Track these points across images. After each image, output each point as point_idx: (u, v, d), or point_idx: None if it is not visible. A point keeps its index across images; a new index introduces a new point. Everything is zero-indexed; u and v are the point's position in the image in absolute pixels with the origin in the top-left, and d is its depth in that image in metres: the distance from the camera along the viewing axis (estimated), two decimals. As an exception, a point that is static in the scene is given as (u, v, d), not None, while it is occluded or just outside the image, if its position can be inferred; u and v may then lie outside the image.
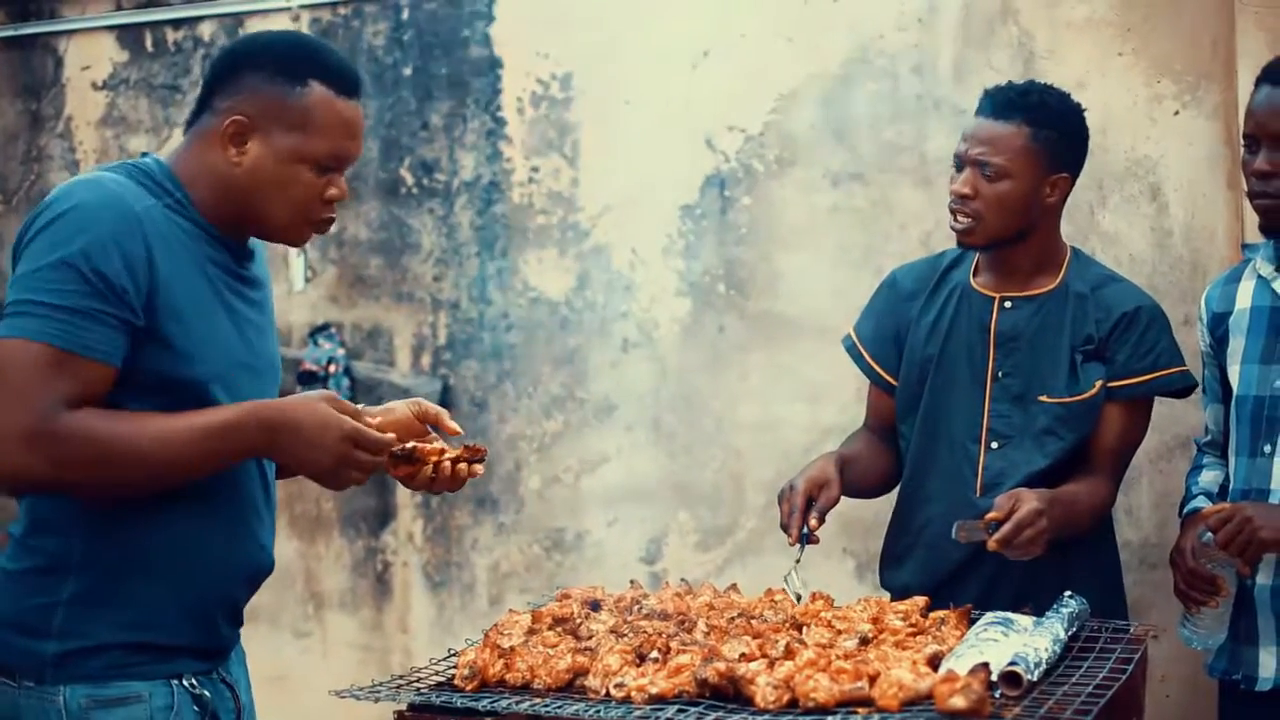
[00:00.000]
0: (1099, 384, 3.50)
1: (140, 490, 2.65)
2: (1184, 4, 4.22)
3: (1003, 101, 3.49)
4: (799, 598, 3.23)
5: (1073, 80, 4.23)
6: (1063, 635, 2.83)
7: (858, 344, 3.81)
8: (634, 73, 4.85)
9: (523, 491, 5.01)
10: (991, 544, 3.17)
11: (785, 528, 3.39)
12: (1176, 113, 4.26)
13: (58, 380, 2.53)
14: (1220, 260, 4.18)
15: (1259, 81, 3.35)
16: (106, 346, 2.57)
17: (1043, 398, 3.51)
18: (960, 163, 3.51)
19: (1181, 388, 3.59)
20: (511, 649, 2.87)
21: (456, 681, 2.83)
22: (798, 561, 3.36)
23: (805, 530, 3.35)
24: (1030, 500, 3.19)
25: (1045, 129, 3.49)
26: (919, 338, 3.67)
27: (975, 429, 3.56)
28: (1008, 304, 3.59)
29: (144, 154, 2.82)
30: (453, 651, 3.04)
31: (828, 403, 4.59)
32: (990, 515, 3.20)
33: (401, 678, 2.94)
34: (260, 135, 2.71)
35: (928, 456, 3.65)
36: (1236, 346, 3.47)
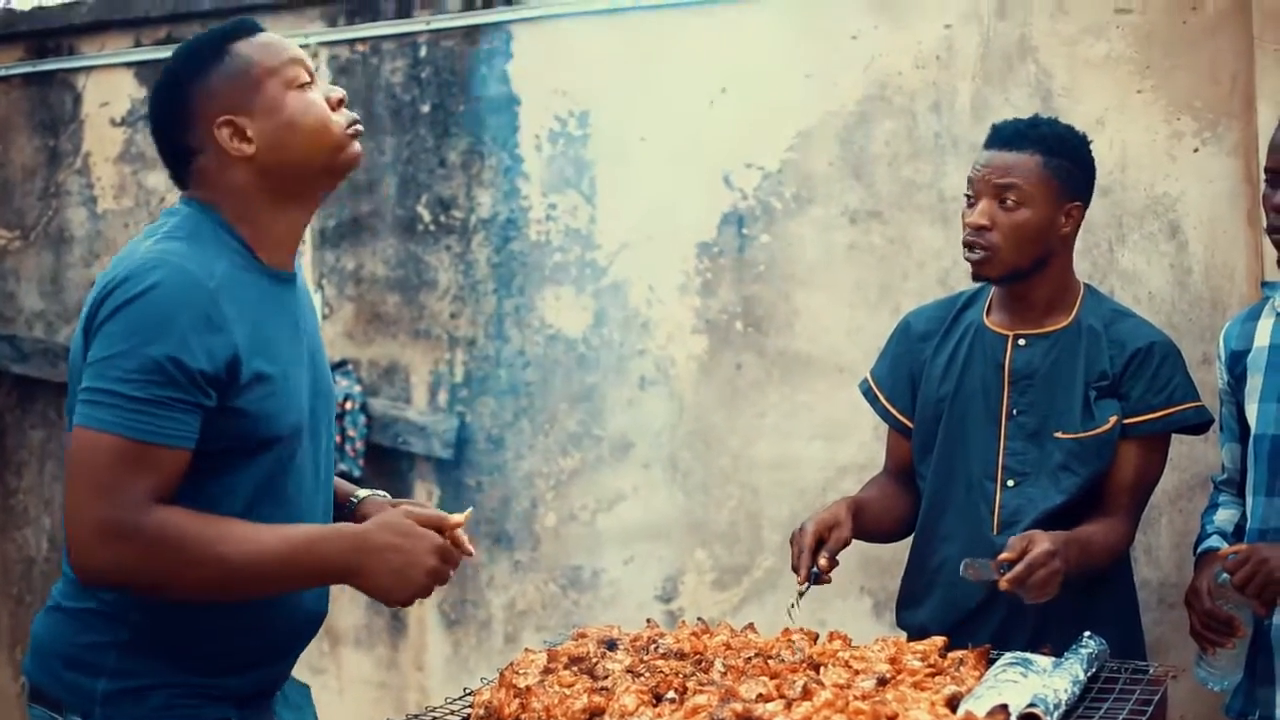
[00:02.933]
0: (1114, 419, 3.47)
1: (212, 597, 2.65)
2: (1203, 41, 4.20)
3: (1012, 133, 3.49)
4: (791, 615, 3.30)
5: (1091, 118, 4.27)
6: (1082, 676, 2.80)
7: (874, 388, 3.80)
8: (651, 110, 4.84)
9: (539, 529, 4.99)
10: (1003, 584, 3.14)
11: (795, 568, 3.39)
12: (1196, 150, 4.23)
13: (139, 473, 2.53)
14: (1240, 298, 4.15)
15: None
16: (183, 430, 2.57)
17: (1058, 434, 3.49)
18: (974, 193, 3.49)
19: (1197, 424, 3.56)
20: (527, 688, 2.85)
21: None
22: (800, 595, 3.36)
23: (815, 570, 3.33)
24: (1043, 541, 3.16)
25: (1057, 157, 3.48)
26: (933, 378, 3.66)
27: (991, 467, 3.54)
28: (1021, 341, 3.57)
29: (185, 200, 2.81)
30: (468, 690, 3.02)
31: (845, 441, 4.56)
32: (1003, 556, 3.17)
33: (417, 716, 2.94)
34: (245, 115, 2.73)
35: (944, 495, 3.63)
36: (1254, 384, 3.45)
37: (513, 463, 5.02)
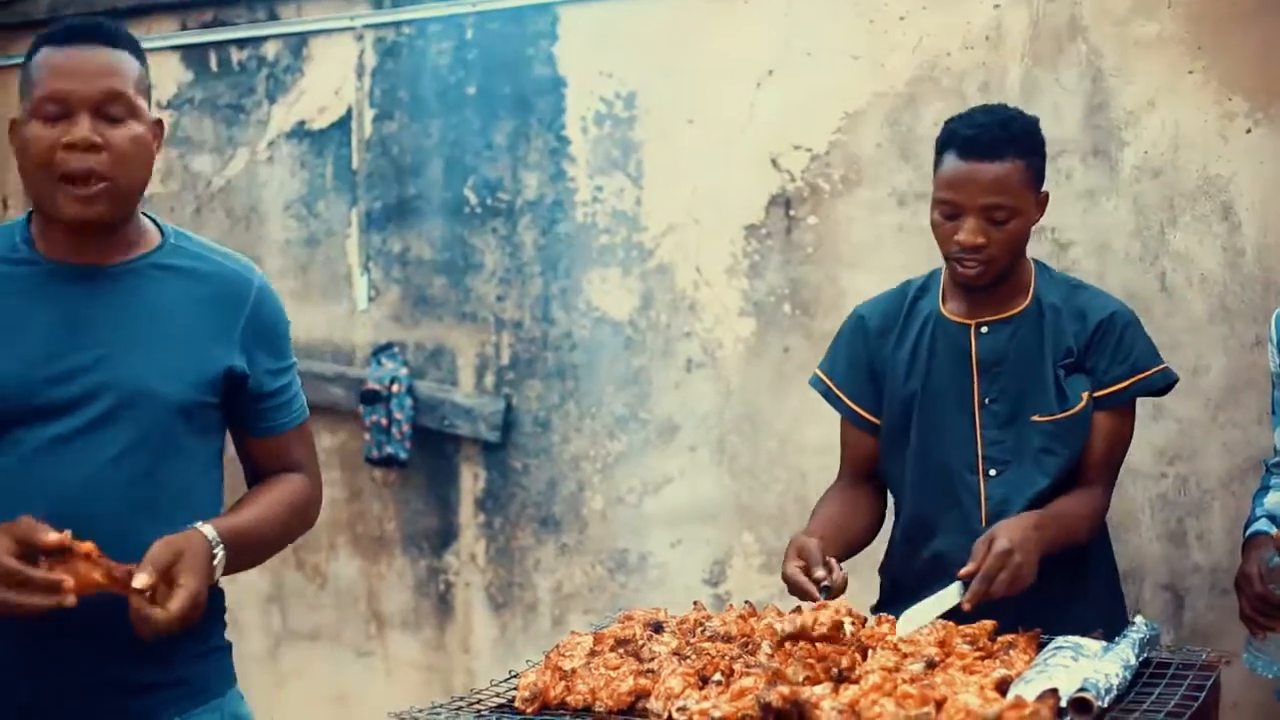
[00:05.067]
0: (1086, 395, 3.46)
1: None
2: (1255, 21, 4.17)
3: (991, 141, 3.37)
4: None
5: (1143, 99, 4.27)
6: (1133, 660, 2.77)
7: (831, 385, 3.73)
8: (698, 91, 4.83)
9: (585, 512, 5.00)
10: (966, 606, 3.09)
11: (802, 596, 3.22)
12: (1249, 130, 4.20)
13: None
14: None
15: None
16: None
17: (1034, 417, 3.46)
18: (957, 209, 3.39)
19: (1163, 386, 3.54)
20: (573, 671, 2.83)
21: (517, 704, 2.79)
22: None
23: (825, 587, 3.19)
24: (1000, 540, 3.13)
25: (1032, 155, 3.42)
26: (898, 374, 3.61)
27: (971, 458, 3.51)
28: (984, 329, 3.52)
29: None
30: (514, 673, 3.00)
31: None
32: (963, 571, 3.13)
33: (462, 699, 2.90)
34: (19, 120, 2.75)
35: (927, 492, 3.58)
36: None
37: (559, 446, 5.02)
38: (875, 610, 3.51)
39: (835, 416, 4.38)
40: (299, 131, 5.45)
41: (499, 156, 5.11)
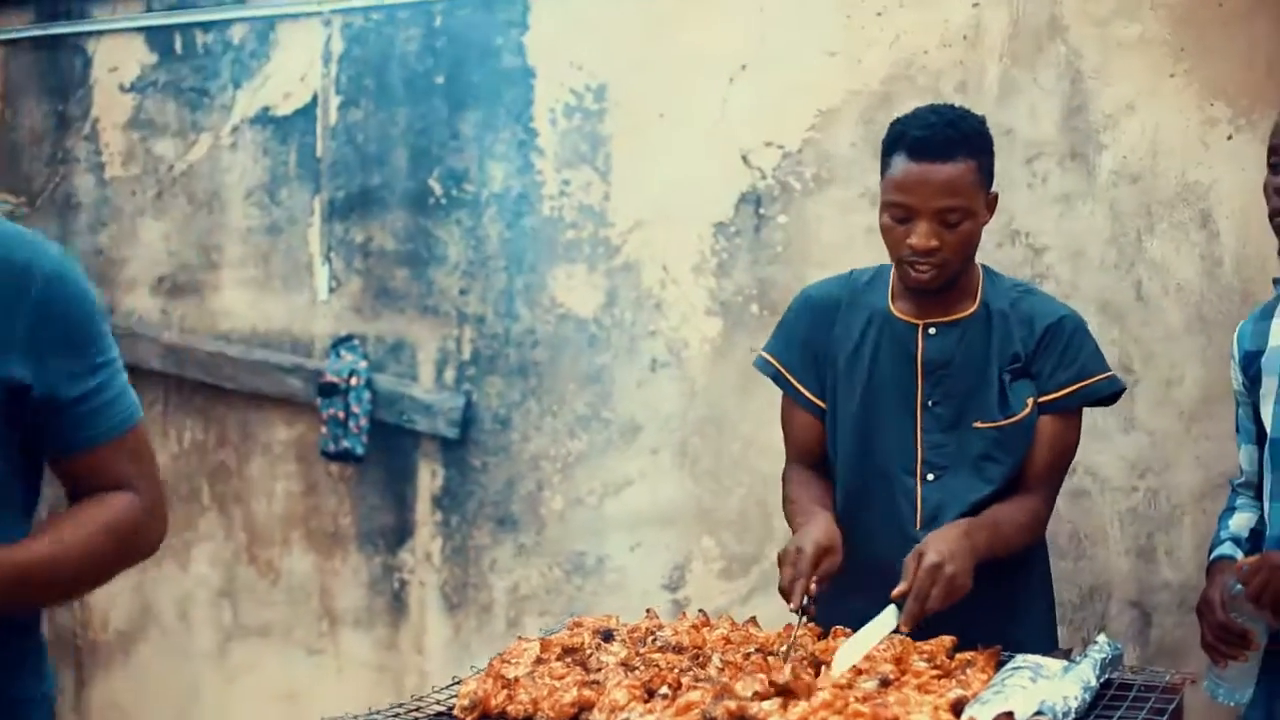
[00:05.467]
0: (1030, 402, 3.38)
1: None
2: (1239, 25, 4.09)
3: (942, 141, 3.27)
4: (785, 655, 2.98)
5: (1122, 102, 4.20)
6: (1094, 682, 2.69)
7: (779, 367, 3.61)
8: (669, 85, 4.74)
9: (544, 513, 4.90)
10: (902, 629, 2.97)
11: (785, 593, 3.11)
12: (1230, 137, 4.13)
13: None
14: (1271, 292, 3.93)
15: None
16: None
17: (977, 424, 3.39)
18: (909, 212, 3.29)
19: (1109, 394, 3.47)
20: (516, 679, 2.75)
21: (456, 712, 2.71)
22: (797, 630, 3.04)
23: (806, 600, 3.06)
24: (930, 554, 3.03)
25: (982, 155, 3.34)
26: (841, 363, 3.52)
27: (909, 461, 3.43)
28: (932, 330, 3.44)
29: None
30: (457, 679, 2.92)
31: None
32: (896, 592, 3.01)
33: (401, 705, 2.82)
34: None
35: (862, 491, 3.49)
36: (1270, 386, 3.31)
37: (519, 444, 4.93)
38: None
39: None
40: (263, 117, 5.34)
41: (465, 147, 5.01)
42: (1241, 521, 3.48)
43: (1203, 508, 4.14)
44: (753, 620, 3.28)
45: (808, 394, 3.56)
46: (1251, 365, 3.38)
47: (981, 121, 3.38)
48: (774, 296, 4.62)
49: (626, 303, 4.80)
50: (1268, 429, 3.30)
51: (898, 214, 3.30)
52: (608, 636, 3.06)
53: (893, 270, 3.47)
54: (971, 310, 3.43)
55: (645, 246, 4.79)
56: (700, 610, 3.33)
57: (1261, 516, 3.38)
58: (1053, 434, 3.41)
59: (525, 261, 4.92)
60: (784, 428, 3.66)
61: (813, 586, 3.08)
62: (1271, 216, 3.20)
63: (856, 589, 3.30)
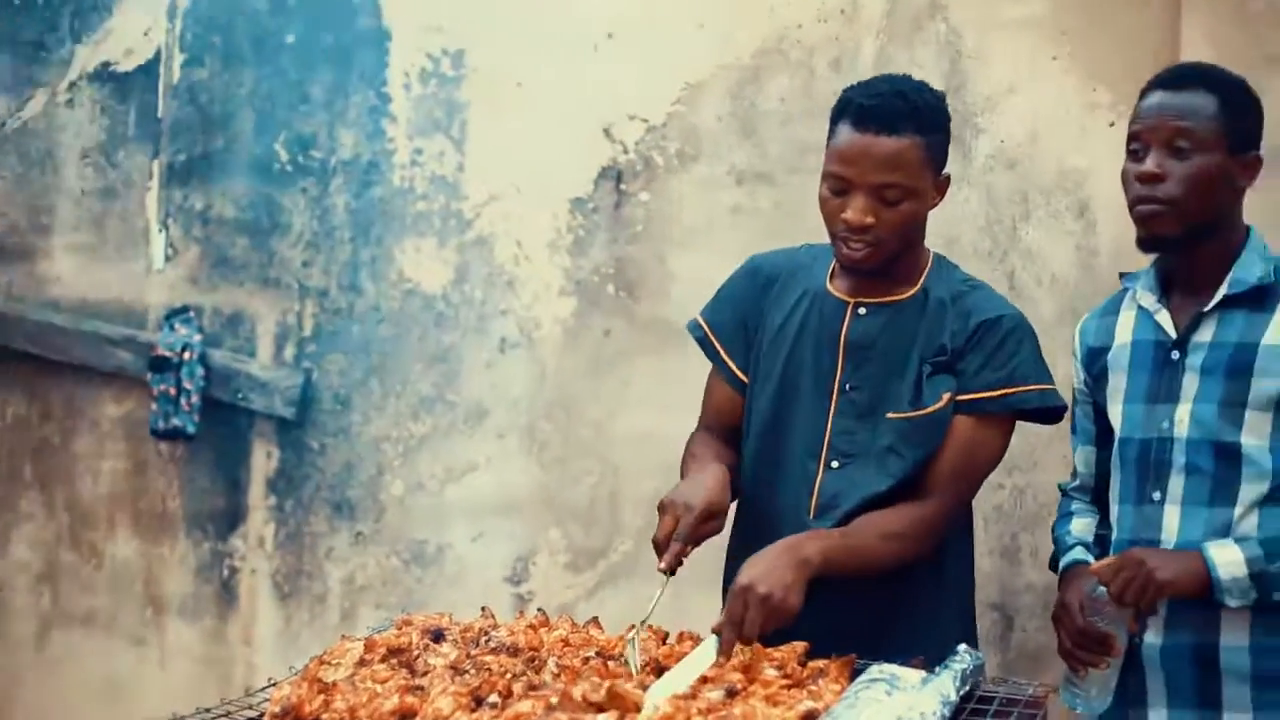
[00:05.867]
0: (946, 397, 3.18)
1: None
2: (1124, 8, 3.98)
3: (888, 113, 3.10)
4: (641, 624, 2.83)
5: (1002, 84, 4.09)
6: (953, 695, 2.49)
7: (708, 332, 3.45)
8: (530, 52, 4.55)
9: (384, 498, 4.68)
10: (720, 660, 2.74)
11: (658, 546, 2.95)
12: (1112, 124, 4.00)
13: None
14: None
15: (1152, 87, 3.19)
16: None
17: (889, 414, 3.20)
18: (846, 187, 3.13)
19: (1041, 408, 3.25)
20: (334, 684, 2.56)
21: (266, 719, 2.50)
22: (663, 588, 2.88)
23: (669, 571, 2.89)
24: (740, 578, 2.82)
25: (933, 133, 3.16)
26: (768, 336, 3.35)
27: (816, 445, 3.23)
28: (861, 310, 3.26)
29: None
30: (272, 681, 2.71)
31: None
32: (715, 625, 2.79)
33: (208, 710, 2.59)
34: None
35: (768, 473, 3.31)
36: (1117, 384, 3.27)
37: (359, 425, 4.70)
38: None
39: (654, 406, 4.34)
40: (103, 74, 5.06)
41: (314, 111, 4.77)
42: (1083, 526, 3.40)
43: None
44: (594, 621, 3.10)
45: (732, 365, 3.40)
46: (1095, 362, 3.32)
47: (939, 98, 3.21)
48: (631, 276, 4.46)
49: (477, 279, 4.60)
50: (1116, 428, 3.25)
51: (835, 185, 3.14)
52: (437, 637, 2.88)
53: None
54: (908, 294, 3.25)
55: (499, 221, 4.59)
56: (539, 609, 3.17)
57: (1104, 520, 3.33)
58: (967, 437, 3.21)
59: (372, 233, 4.70)
60: (704, 396, 3.49)
61: (689, 549, 2.92)
62: (1133, 205, 3.14)
63: None
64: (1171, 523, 3.12)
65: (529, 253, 4.56)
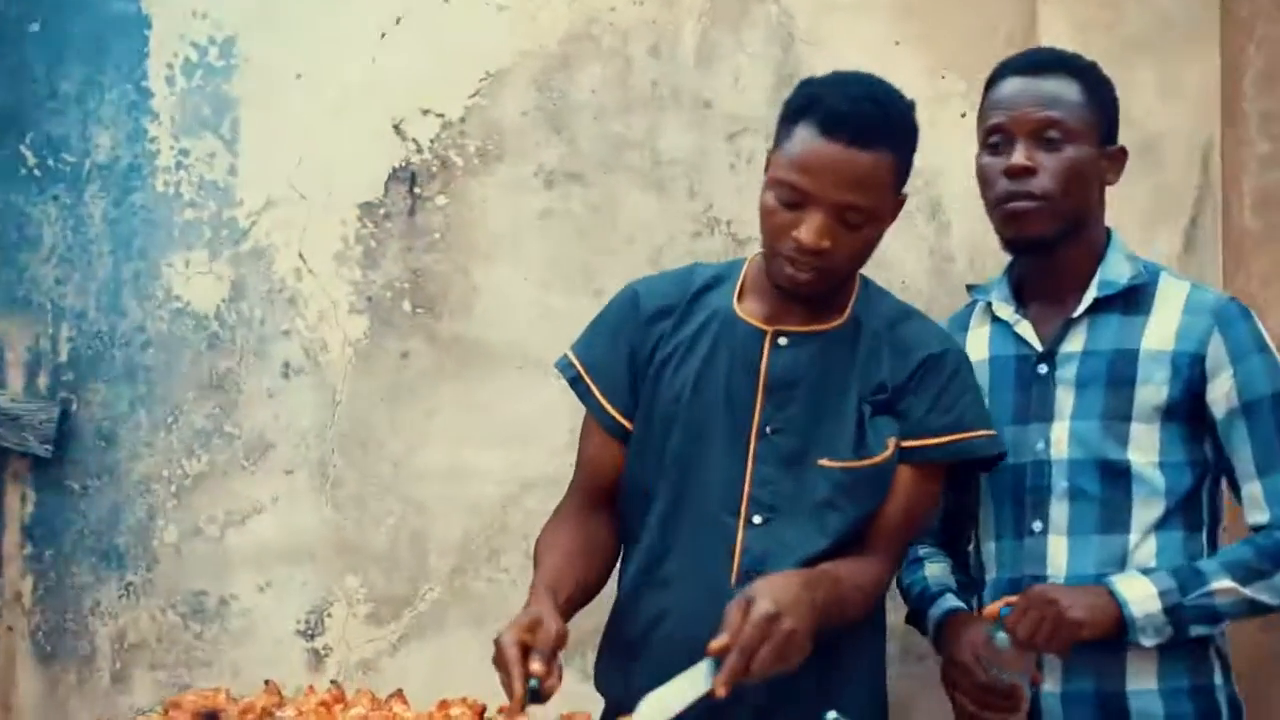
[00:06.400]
0: (892, 443, 2.88)
1: None
2: (977, -15, 3.78)
3: (867, 124, 2.78)
4: None
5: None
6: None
7: (583, 373, 3.06)
8: (310, 40, 4.20)
9: (156, 545, 4.24)
10: (720, 690, 2.50)
11: (507, 690, 2.61)
12: (963, 115, 3.82)
13: None
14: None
15: (1003, 73, 3.12)
16: None
17: (823, 461, 2.87)
18: (802, 200, 2.79)
19: (984, 457, 2.97)
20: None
21: None
22: None
23: (533, 683, 2.56)
24: (763, 602, 2.54)
25: (905, 150, 2.87)
26: (665, 375, 2.99)
27: (733, 499, 2.89)
28: (782, 341, 2.92)
29: None
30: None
31: (532, 449, 3.99)
32: (714, 646, 2.53)
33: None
34: None
35: (670, 529, 2.96)
36: None
37: (127, 463, 4.26)
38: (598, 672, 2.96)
39: (460, 438, 4.07)
40: None
41: (65, 109, 4.32)
42: (939, 571, 3.24)
43: None
44: (398, 695, 2.75)
45: (612, 410, 3.02)
46: None
47: (911, 107, 2.90)
48: (430, 291, 4.12)
49: (255, 297, 4.21)
50: None
51: (789, 197, 2.79)
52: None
53: (748, 264, 3.01)
54: (837, 323, 2.93)
55: (278, 230, 4.21)
56: (333, 681, 2.89)
57: (961, 565, 3.19)
58: (912, 488, 2.91)
59: (135, 246, 4.26)
60: (579, 448, 3.12)
61: (535, 665, 2.57)
62: (998, 203, 2.99)
63: (644, 647, 2.91)
64: (1058, 555, 2.96)
65: (313, 265, 4.20)
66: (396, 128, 4.16)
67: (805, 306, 2.91)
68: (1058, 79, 3.01)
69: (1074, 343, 3.01)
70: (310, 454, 4.19)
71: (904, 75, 3.65)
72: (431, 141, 4.14)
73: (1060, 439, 2.97)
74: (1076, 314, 2.99)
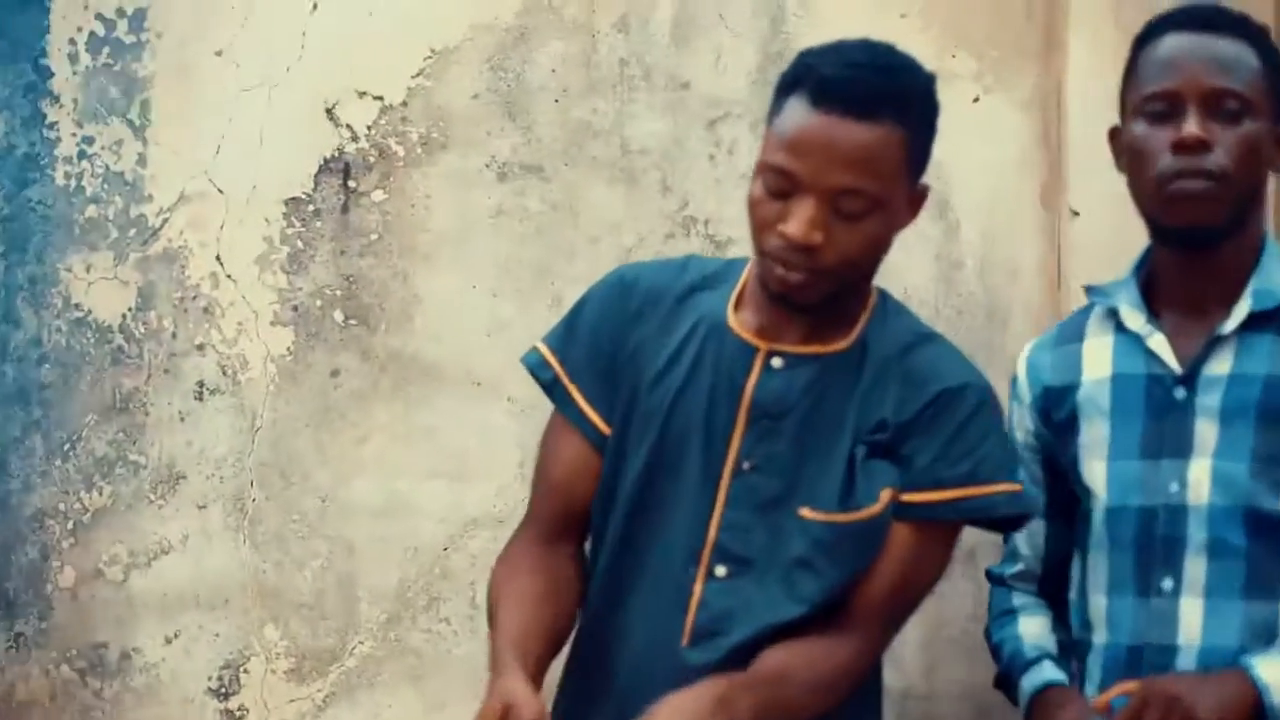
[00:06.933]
0: (887, 495, 2.50)
1: None
2: (994, -50, 3.56)
3: (867, 90, 2.45)
4: None
5: None
6: None
7: (560, 372, 2.72)
8: (232, 13, 3.93)
9: (50, 590, 3.95)
10: None
11: None
12: (976, 99, 3.61)
13: None
14: (1027, 304, 3.58)
15: (1162, 29, 2.73)
16: None
17: (804, 511, 2.49)
18: (791, 186, 2.45)
19: (1008, 516, 2.60)
20: None
21: None
22: None
23: None
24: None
25: (921, 126, 2.54)
26: (642, 386, 2.65)
27: (696, 544, 2.53)
28: (777, 361, 2.55)
29: None
30: None
31: (477, 482, 3.71)
32: None
33: None
34: None
35: (626, 572, 2.62)
36: (1095, 435, 2.73)
37: (18, 495, 3.97)
38: None
39: (397, 469, 3.83)
40: None
41: (-46, 92, 4.14)
42: (1038, 629, 2.91)
43: (933, 592, 3.24)
44: None
45: (591, 413, 2.67)
46: (1059, 406, 2.81)
47: (929, 80, 2.61)
48: (365, 299, 3.85)
49: (166, 306, 3.92)
50: (1097, 493, 2.72)
51: (776, 183, 2.46)
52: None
53: (748, 266, 2.66)
54: (842, 346, 2.56)
55: (192, 229, 3.92)
56: None
57: (1058, 617, 2.86)
58: (908, 552, 2.54)
59: (30, 247, 3.99)
60: (541, 460, 2.78)
61: None
62: (1159, 184, 2.66)
63: (603, 701, 2.61)
64: (1192, 621, 2.60)
65: (232, 270, 3.92)
66: (329, 112, 3.90)
67: (806, 321, 2.56)
68: (1232, 41, 2.68)
69: (1220, 364, 2.65)
70: (226, 486, 3.92)
71: (909, 52, 3.51)
72: (369, 128, 3.88)
73: (1200, 480, 2.62)
74: (1227, 330, 2.64)
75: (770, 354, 2.56)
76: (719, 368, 2.57)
